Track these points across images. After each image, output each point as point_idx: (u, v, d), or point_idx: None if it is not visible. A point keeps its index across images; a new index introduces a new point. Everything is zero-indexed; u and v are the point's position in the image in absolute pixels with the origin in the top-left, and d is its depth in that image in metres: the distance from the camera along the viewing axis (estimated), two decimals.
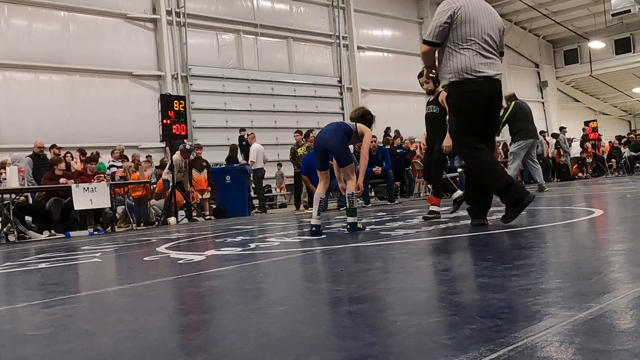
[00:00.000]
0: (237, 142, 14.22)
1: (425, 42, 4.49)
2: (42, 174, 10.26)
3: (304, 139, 12.38)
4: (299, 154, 12.54)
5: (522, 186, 4.40)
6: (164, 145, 12.79)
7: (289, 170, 13.99)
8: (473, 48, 4.32)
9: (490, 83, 4.37)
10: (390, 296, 2.18)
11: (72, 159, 11.63)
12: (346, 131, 5.26)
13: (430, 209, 5.97)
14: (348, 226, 5.14)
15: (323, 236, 4.92)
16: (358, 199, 6.15)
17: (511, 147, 10.35)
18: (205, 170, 12.31)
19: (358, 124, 5.40)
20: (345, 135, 5.25)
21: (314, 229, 5.06)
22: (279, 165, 16.61)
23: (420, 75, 6.32)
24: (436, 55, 4.55)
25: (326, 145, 5.22)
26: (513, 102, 10.40)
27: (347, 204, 5.24)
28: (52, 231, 9.36)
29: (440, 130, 6.06)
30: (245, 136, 14.02)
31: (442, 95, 5.96)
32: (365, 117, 5.51)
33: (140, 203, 11.55)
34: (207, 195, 12.31)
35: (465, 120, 4.41)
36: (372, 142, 11.61)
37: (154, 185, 12.17)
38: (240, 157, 13.67)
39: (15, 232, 9.19)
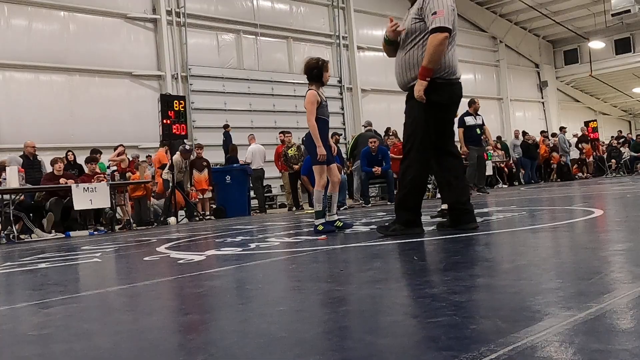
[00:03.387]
0: (236, 143, 14.25)
1: (445, 29, 3.96)
2: (32, 175, 10.21)
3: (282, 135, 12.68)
4: (290, 155, 12.57)
5: (419, 220, 4.18)
6: (158, 146, 12.79)
7: (274, 171, 14.00)
8: (454, 45, 4.13)
9: (460, 87, 4.26)
10: (389, 296, 2.18)
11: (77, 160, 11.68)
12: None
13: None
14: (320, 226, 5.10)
15: (335, 231, 4.95)
16: (350, 203, 6.09)
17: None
18: (206, 170, 12.30)
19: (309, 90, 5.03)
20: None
21: (321, 227, 5.03)
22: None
23: None
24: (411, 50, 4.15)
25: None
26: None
27: (328, 208, 5.19)
28: (53, 231, 9.36)
29: None
30: (230, 132, 14.29)
31: None
32: (312, 71, 5.08)
33: (140, 203, 11.55)
34: (208, 195, 12.30)
35: (435, 123, 4.13)
36: (371, 142, 11.64)
37: (154, 187, 12.17)
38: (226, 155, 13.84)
39: (15, 231, 9.19)
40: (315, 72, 5.09)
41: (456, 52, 4.20)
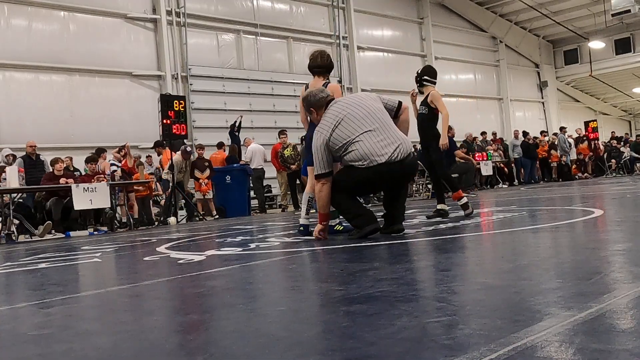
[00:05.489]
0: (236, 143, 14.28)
1: (321, 176, 4.42)
2: (34, 175, 10.21)
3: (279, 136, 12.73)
4: (286, 155, 12.59)
5: (372, 217, 4.43)
6: (148, 145, 12.81)
7: (274, 171, 14.02)
8: (363, 135, 4.28)
9: (392, 166, 4.30)
10: (390, 296, 2.18)
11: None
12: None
13: (460, 203, 5.96)
14: (301, 227, 5.03)
15: (311, 237, 4.85)
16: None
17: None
18: (208, 170, 12.31)
19: (329, 85, 4.91)
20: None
21: (301, 228, 4.97)
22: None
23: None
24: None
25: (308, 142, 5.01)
26: None
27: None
28: (53, 231, 9.36)
29: (429, 131, 6.11)
30: (238, 123, 14.50)
31: (432, 97, 6.00)
32: (332, 64, 5.08)
33: (143, 203, 11.56)
34: (209, 195, 12.30)
35: (357, 185, 4.44)
36: None
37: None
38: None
39: (15, 232, 9.19)
40: (333, 64, 5.18)
41: (368, 138, 4.30)
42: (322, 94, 4.53)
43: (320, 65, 5.02)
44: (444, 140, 5.97)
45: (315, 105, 4.52)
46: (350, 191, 4.51)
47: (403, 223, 4.62)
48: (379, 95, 4.70)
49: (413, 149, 4.57)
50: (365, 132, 4.30)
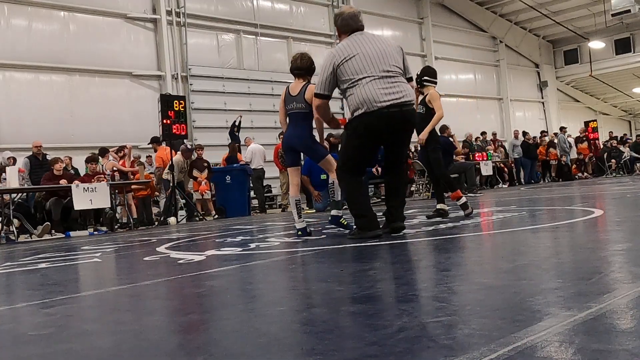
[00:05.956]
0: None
1: (317, 95, 4.54)
2: (40, 175, 10.22)
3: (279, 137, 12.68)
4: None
5: (375, 223, 4.43)
6: (149, 145, 12.78)
7: (274, 171, 14.04)
8: (368, 80, 4.31)
9: (392, 112, 4.31)
10: (390, 296, 2.18)
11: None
12: (309, 124, 4.98)
13: (459, 204, 5.95)
14: (330, 218, 5.02)
15: (313, 236, 4.87)
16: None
17: None
18: (206, 171, 12.31)
19: (309, 87, 4.94)
20: (309, 129, 5.00)
21: (299, 232, 4.96)
22: None
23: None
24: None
25: (293, 144, 5.02)
26: None
27: (330, 197, 5.11)
28: (52, 231, 9.36)
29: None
30: (238, 122, 14.47)
31: (430, 96, 6.02)
32: (312, 66, 5.10)
33: (143, 203, 11.57)
34: (207, 195, 12.30)
35: (358, 148, 4.50)
36: None
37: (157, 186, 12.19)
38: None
39: (15, 232, 9.19)
40: (314, 67, 5.12)
41: (371, 84, 4.31)
42: (352, 21, 4.57)
43: (300, 67, 5.05)
44: (423, 136, 5.98)
45: (339, 27, 4.63)
46: (355, 161, 4.50)
47: (404, 222, 4.63)
48: (404, 53, 4.64)
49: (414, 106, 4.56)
50: (372, 78, 4.31)
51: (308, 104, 4.90)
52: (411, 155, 14.85)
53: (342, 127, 4.89)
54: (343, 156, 4.66)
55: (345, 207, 5.44)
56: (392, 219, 4.55)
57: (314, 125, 5.06)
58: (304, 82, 5.01)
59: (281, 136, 12.99)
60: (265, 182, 14.50)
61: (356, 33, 4.51)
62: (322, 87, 4.48)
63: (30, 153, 11.07)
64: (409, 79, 4.60)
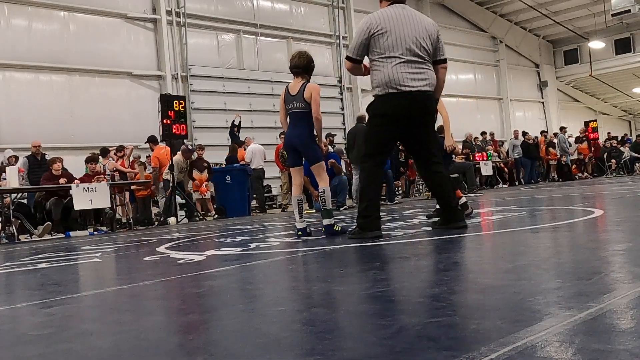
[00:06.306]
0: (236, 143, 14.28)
1: (347, 58, 4.56)
2: (38, 175, 10.22)
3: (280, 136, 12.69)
4: (286, 156, 12.59)
5: (377, 224, 4.41)
6: (146, 145, 12.78)
7: (274, 171, 14.05)
8: (397, 61, 4.30)
9: (415, 97, 4.32)
10: (390, 296, 2.18)
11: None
12: (309, 123, 4.97)
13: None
14: (323, 229, 4.94)
15: (312, 237, 4.86)
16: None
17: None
18: (206, 171, 12.31)
19: (307, 85, 4.95)
20: (309, 128, 4.98)
21: (299, 232, 4.95)
22: None
23: None
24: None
25: (293, 143, 5.01)
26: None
27: (321, 205, 5.01)
28: (52, 232, 9.36)
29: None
30: (237, 122, 14.48)
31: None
32: (310, 65, 5.08)
33: (144, 203, 11.56)
34: (207, 195, 12.30)
35: (379, 132, 4.46)
36: None
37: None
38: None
39: (15, 231, 9.19)
40: (312, 65, 5.12)
41: (389, 71, 4.32)
42: None
43: (297, 66, 5.04)
44: (449, 142, 5.97)
45: None
46: (377, 146, 4.47)
47: (432, 220, 4.65)
48: (438, 33, 4.58)
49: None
50: (401, 60, 4.30)
51: (307, 103, 4.91)
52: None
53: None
54: (366, 145, 4.59)
55: (343, 208, 5.42)
56: (451, 216, 4.50)
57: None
58: (303, 81, 5.01)
59: (282, 136, 12.99)
60: (265, 182, 14.50)
61: (397, 5, 4.46)
62: (354, 51, 4.46)
63: (30, 153, 11.07)
64: (442, 61, 4.56)
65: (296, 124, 4.98)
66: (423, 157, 4.59)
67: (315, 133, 5.06)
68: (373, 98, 4.56)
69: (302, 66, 5.03)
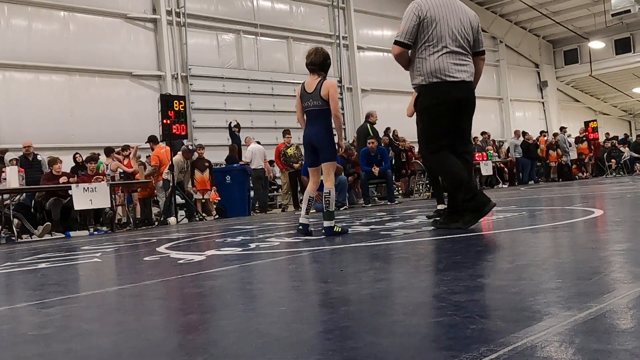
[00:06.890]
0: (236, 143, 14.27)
1: (396, 42, 4.45)
2: (31, 175, 10.18)
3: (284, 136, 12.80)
4: (289, 154, 12.59)
5: (482, 193, 4.36)
6: (147, 145, 12.78)
7: (274, 171, 14.08)
8: (443, 51, 4.31)
9: (460, 87, 4.34)
10: (390, 296, 2.18)
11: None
12: (326, 121, 4.95)
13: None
14: (324, 230, 4.87)
15: (311, 237, 4.84)
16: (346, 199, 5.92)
17: None
18: (208, 170, 12.30)
19: (324, 83, 4.94)
20: (326, 125, 4.95)
21: (300, 227, 4.94)
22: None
23: None
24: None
25: (311, 140, 4.98)
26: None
27: (324, 206, 4.93)
28: (52, 232, 9.35)
29: None
30: (234, 125, 14.46)
31: None
32: (326, 61, 5.07)
33: (145, 203, 11.55)
34: (208, 195, 12.29)
35: (432, 123, 4.45)
36: (370, 142, 11.63)
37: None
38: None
39: (15, 232, 9.19)
40: (329, 62, 5.14)
41: (434, 60, 4.33)
42: None
43: (313, 63, 5.03)
44: None
45: None
46: (434, 137, 4.44)
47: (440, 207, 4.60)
48: (479, 25, 4.58)
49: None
50: (448, 50, 4.31)
51: (325, 101, 4.91)
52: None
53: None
54: (423, 141, 4.55)
55: (343, 208, 5.39)
56: (480, 200, 4.32)
57: (334, 125, 5.05)
58: (319, 78, 5.00)
59: (287, 135, 12.98)
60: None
61: None
62: (404, 36, 4.39)
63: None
64: (481, 52, 4.58)
65: (313, 122, 4.99)
66: (457, 145, 4.52)
67: (334, 131, 5.06)
68: (414, 90, 4.54)
69: (319, 63, 5.03)
